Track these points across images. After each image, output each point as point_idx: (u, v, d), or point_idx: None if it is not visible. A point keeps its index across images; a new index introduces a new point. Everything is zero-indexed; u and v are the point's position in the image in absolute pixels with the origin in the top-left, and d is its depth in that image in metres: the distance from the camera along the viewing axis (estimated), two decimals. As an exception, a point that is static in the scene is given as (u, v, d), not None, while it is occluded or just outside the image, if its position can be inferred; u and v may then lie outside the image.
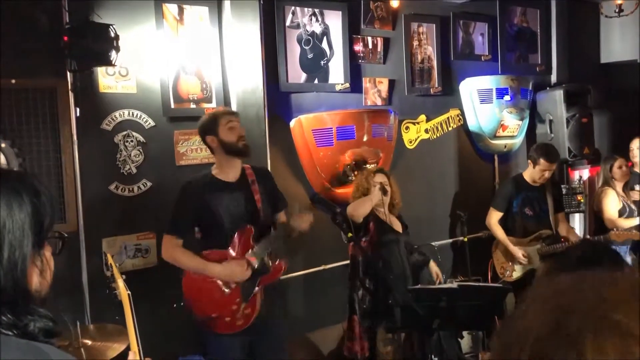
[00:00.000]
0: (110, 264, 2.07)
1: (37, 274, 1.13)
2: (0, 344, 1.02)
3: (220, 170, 3.26)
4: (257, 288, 3.17)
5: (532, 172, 4.69)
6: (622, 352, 0.55)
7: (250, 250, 3.16)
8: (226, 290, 3.14)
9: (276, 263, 3.24)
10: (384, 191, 3.77)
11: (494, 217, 4.76)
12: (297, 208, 3.32)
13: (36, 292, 1.13)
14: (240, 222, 3.19)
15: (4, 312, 1.05)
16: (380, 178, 3.87)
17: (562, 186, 5.46)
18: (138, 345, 1.76)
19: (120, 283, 1.92)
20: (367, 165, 4.24)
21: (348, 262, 3.94)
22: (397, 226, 3.93)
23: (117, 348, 2.67)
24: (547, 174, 4.65)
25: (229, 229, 3.18)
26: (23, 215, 1.10)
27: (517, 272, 4.70)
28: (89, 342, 2.78)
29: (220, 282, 3.15)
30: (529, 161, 4.73)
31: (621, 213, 4.92)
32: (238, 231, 3.18)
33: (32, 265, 1.11)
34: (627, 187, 5.00)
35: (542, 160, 4.58)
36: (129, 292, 1.89)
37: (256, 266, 3.15)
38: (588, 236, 4.71)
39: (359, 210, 3.66)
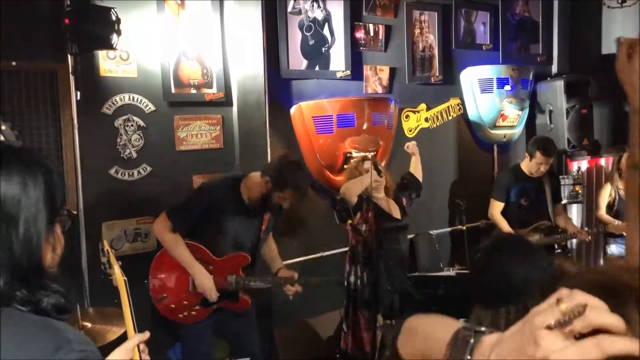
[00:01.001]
0: (107, 250, 2.05)
1: (49, 250, 1.15)
2: (15, 320, 1.05)
3: (248, 192, 3.23)
4: (215, 306, 3.25)
5: (529, 165, 4.70)
6: None
7: (235, 276, 3.23)
8: (190, 289, 3.23)
9: (245, 298, 3.33)
10: (378, 171, 3.74)
11: (497, 209, 4.76)
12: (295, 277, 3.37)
13: (49, 268, 1.15)
14: (241, 246, 3.26)
15: (19, 287, 1.07)
16: (368, 165, 3.87)
17: (561, 177, 5.47)
18: (135, 331, 1.76)
19: (117, 269, 1.91)
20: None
21: (346, 249, 3.95)
22: (397, 213, 3.94)
23: (116, 331, 2.69)
24: (542, 168, 4.66)
25: (226, 246, 3.24)
26: (38, 192, 1.11)
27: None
28: (88, 324, 2.80)
29: (191, 280, 3.24)
30: (526, 153, 4.74)
31: (610, 207, 4.98)
32: (235, 255, 3.24)
33: (45, 241, 1.13)
34: None
35: (538, 154, 4.59)
36: (125, 278, 1.88)
37: (229, 289, 3.24)
38: (586, 228, 4.74)
39: (351, 189, 3.64)
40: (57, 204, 1.16)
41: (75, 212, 1.33)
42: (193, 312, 3.25)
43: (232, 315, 3.35)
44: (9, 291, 1.07)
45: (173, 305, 3.24)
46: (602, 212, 5.00)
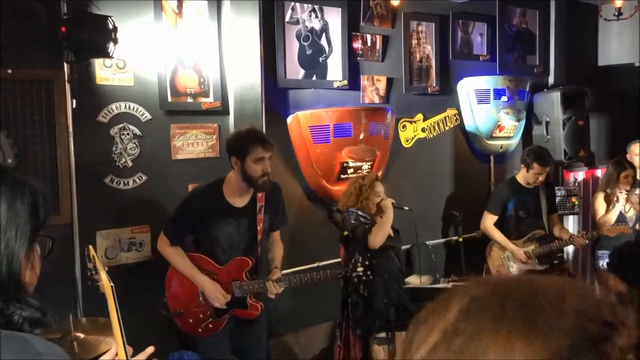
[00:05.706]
0: (92, 255, 2.03)
1: (28, 266, 1.17)
2: None
3: (232, 190, 3.20)
4: (227, 316, 3.22)
5: (526, 176, 4.69)
6: None
7: (239, 281, 3.19)
8: (202, 300, 3.20)
9: (255, 303, 3.28)
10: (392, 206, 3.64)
11: (489, 221, 4.75)
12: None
13: (28, 285, 1.17)
14: (237, 249, 3.22)
15: None
16: (380, 188, 3.77)
17: (557, 188, 5.47)
18: (122, 338, 1.75)
19: (103, 275, 1.90)
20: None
21: (341, 260, 3.92)
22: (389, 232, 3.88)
23: (110, 342, 2.66)
24: (541, 177, 4.65)
25: (224, 252, 3.22)
26: (22, 210, 1.14)
27: (512, 275, 4.70)
28: (81, 335, 2.76)
29: (200, 291, 3.21)
30: (522, 165, 4.74)
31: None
32: (237, 259, 3.21)
33: (26, 258, 1.15)
34: (632, 193, 4.94)
35: (535, 165, 4.58)
36: (112, 284, 1.87)
37: (236, 296, 3.20)
38: (583, 231, 4.72)
39: (378, 239, 3.53)
40: (39, 223, 1.18)
41: (55, 237, 1.34)
42: (210, 325, 3.22)
43: (247, 323, 3.30)
44: None
45: (191, 320, 3.22)
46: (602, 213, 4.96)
